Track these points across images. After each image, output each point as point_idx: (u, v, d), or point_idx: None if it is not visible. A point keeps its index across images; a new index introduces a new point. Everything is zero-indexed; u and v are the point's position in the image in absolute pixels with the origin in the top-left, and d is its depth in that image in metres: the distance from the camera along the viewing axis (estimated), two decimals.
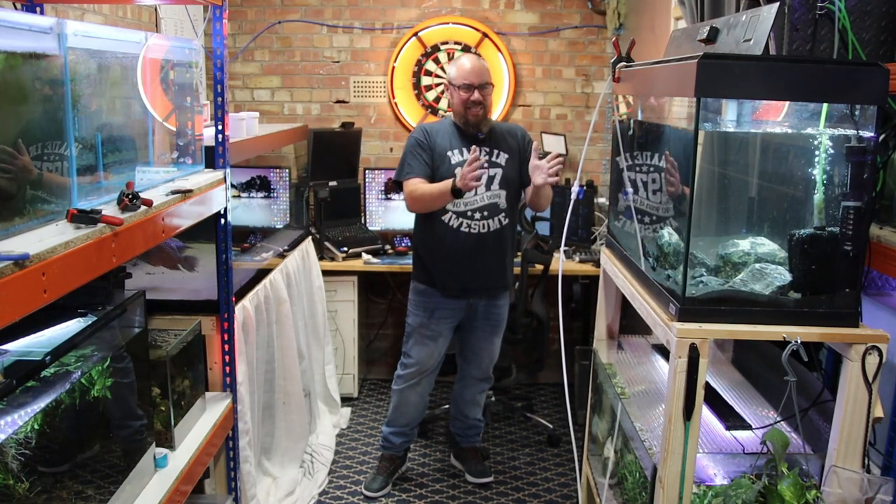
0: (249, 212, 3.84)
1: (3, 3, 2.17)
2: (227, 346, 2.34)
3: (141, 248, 1.64)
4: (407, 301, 3.23)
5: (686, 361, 1.63)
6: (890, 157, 1.76)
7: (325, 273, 3.88)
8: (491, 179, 3.02)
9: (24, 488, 1.28)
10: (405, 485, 3.37)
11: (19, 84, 1.33)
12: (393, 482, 3.35)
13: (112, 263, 1.48)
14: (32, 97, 1.38)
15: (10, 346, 1.35)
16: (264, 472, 3.03)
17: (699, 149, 1.67)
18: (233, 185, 2.36)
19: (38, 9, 2.16)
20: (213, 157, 2.24)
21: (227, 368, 2.36)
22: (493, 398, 3.82)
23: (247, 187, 3.77)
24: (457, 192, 2.82)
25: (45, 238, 1.31)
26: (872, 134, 1.60)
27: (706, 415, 1.97)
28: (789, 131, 1.84)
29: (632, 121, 2.36)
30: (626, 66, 2.27)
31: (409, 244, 3.99)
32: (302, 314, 3.50)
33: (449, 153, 3.02)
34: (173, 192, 1.85)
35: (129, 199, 1.58)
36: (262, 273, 3.02)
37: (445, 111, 4.29)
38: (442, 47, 4.33)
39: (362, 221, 4.32)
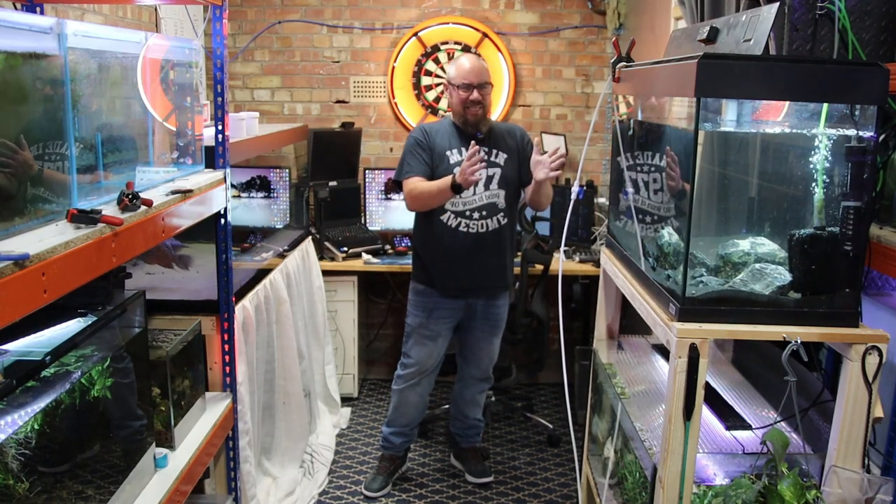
0: (249, 212, 3.84)
1: (3, 3, 2.17)
2: (227, 346, 2.34)
3: (141, 248, 1.64)
4: (407, 301, 3.23)
5: (686, 361, 1.63)
6: (890, 157, 1.76)
7: (325, 273, 3.88)
8: (489, 179, 3.02)
9: (24, 488, 1.28)
10: (405, 485, 3.37)
11: (19, 84, 1.33)
12: (393, 482, 3.35)
13: (112, 263, 1.48)
14: (32, 97, 1.38)
15: (10, 346, 1.35)
16: (264, 472, 3.03)
17: (699, 149, 1.67)
18: (233, 185, 2.36)
19: (38, 9, 2.16)
20: (213, 157, 2.24)
21: (227, 368, 2.36)
22: (493, 398, 3.82)
23: (247, 187, 3.78)
24: (456, 188, 2.82)
25: (45, 238, 1.31)
26: (872, 134, 1.60)
27: (706, 415, 1.97)
28: (789, 131, 1.84)
29: (632, 121, 2.36)
30: (626, 66, 2.27)
31: (409, 244, 3.99)
32: (302, 314, 3.50)
33: (448, 153, 3.02)
34: (173, 192, 1.85)
35: (129, 199, 1.58)
36: (262, 273, 3.02)
37: (445, 111, 4.29)
38: (442, 47, 4.33)
39: (362, 221, 4.32)
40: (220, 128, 2.21)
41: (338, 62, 4.42)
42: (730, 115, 1.81)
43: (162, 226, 1.74)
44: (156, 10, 3.43)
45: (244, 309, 2.66)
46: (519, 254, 3.56)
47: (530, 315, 3.67)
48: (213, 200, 2.12)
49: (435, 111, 4.39)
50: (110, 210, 1.55)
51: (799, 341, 1.61)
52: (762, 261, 1.77)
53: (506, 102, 4.37)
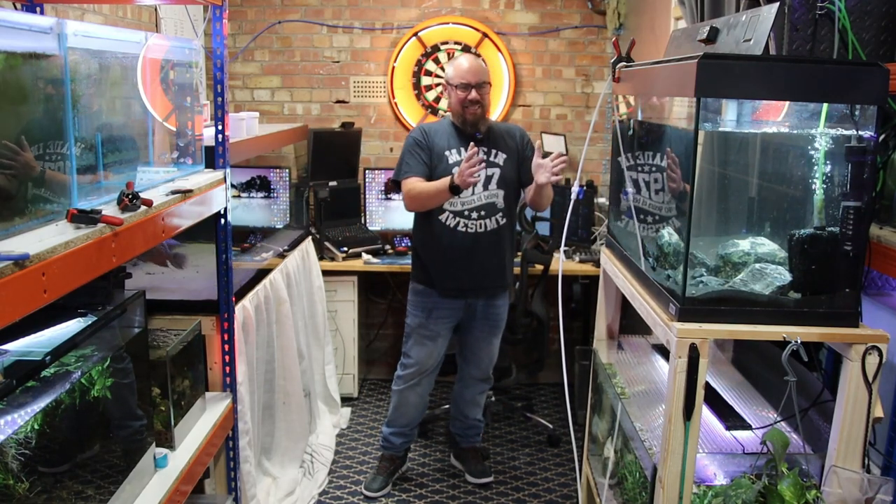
0: (249, 212, 3.84)
1: (3, 3, 2.17)
2: (227, 346, 2.34)
3: (141, 248, 1.64)
4: (406, 301, 3.23)
5: (686, 361, 1.63)
6: (890, 157, 1.76)
7: (325, 273, 3.88)
8: (489, 179, 3.02)
9: (24, 488, 1.28)
10: (405, 485, 3.37)
11: (19, 84, 1.33)
12: (393, 482, 3.35)
13: (112, 263, 1.48)
14: (32, 97, 1.38)
15: (10, 346, 1.35)
16: (264, 472, 3.03)
17: (699, 149, 1.67)
18: (233, 185, 2.36)
19: (38, 9, 2.16)
20: (213, 157, 2.24)
21: (227, 368, 2.36)
22: (493, 398, 3.82)
23: (247, 187, 3.78)
24: (455, 189, 2.83)
25: (45, 238, 1.31)
26: (872, 134, 1.60)
27: (706, 415, 1.97)
28: (789, 131, 1.84)
29: (632, 121, 2.36)
30: (626, 66, 2.27)
31: (409, 244, 3.99)
32: (302, 314, 3.50)
33: (447, 153, 3.02)
34: (173, 192, 1.85)
35: (129, 199, 1.58)
36: (262, 273, 3.02)
37: (445, 111, 4.29)
38: (442, 47, 4.33)
39: (362, 221, 4.32)
40: (220, 128, 2.21)
41: (338, 62, 4.42)
42: (730, 115, 1.81)
43: (162, 226, 1.74)
44: (156, 10, 3.43)
45: (244, 309, 2.66)
46: (519, 254, 3.56)
47: (530, 315, 3.67)
48: (213, 200, 2.12)
49: (435, 111, 4.39)
50: (110, 210, 1.55)
51: (799, 341, 1.61)
52: (762, 261, 1.77)
53: (506, 102, 4.37)
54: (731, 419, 2.01)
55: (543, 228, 3.93)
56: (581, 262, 3.96)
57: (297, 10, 4.36)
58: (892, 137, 1.77)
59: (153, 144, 1.97)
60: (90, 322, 1.55)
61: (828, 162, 1.72)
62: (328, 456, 3.52)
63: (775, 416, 2.00)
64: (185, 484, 1.90)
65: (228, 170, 2.26)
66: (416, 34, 4.32)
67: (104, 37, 1.68)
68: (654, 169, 2.10)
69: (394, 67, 4.36)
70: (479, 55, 4.20)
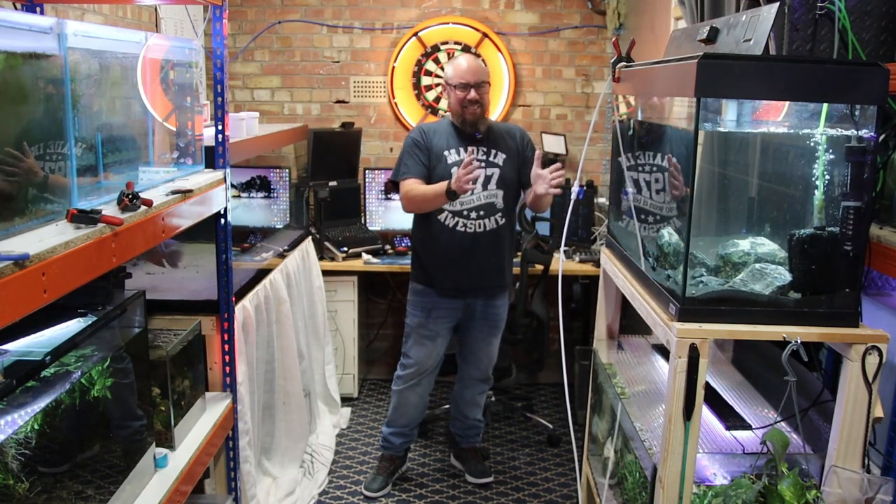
0: (249, 212, 3.84)
1: (3, 3, 2.17)
2: (227, 346, 2.34)
3: (141, 248, 1.64)
4: (406, 301, 3.23)
5: (686, 361, 1.63)
6: (890, 157, 1.76)
7: (325, 273, 3.88)
8: (488, 179, 3.02)
9: (24, 488, 1.28)
10: (405, 485, 3.37)
11: (19, 84, 1.33)
12: (393, 482, 3.35)
13: (112, 263, 1.48)
14: (32, 97, 1.38)
15: (10, 346, 1.35)
16: (264, 472, 3.03)
17: (699, 149, 1.67)
18: (233, 185, 2.36)
19: (38, 9, 2.16)
20: (213, 157, 2.24)
21: (227, 368, 2.36)
22: (493, 398, 3.82)
23: (247, 187, 3.78)
24: (451, 195, 2.83)
25: (45, 238, 1.31)
26: (872, 134, 1.60)
27: (706, 415, 1.97)
28: (789, 131, 1.84)
29: (632, 121, 2.36)
30: (626, 66, 2.27)
31: (409, 244, 3.99)
32: (302, 314, 3.50)
33: (446, 153, 3.02)
34: (173, 192, 1.85)
35: (129, 199, 1.58)
36: (262, 273, 3.02)
37: (445, 111, 4.29)
38: (442, 47, 4.33)
39: (362, 221, 4.32)
40: (220, 128, 2.21)
41: (338, 62, 4.42)
42: (730, 115, 1.81)
43: (162, 226, 1.74)
44: (156, 10, 3.43)
45: (244, 309, 2.66)
46: (519, 254, 3.57)
47: (530, 315, 3.67)
48: (213, 200, 2.12)
49: (435, 111, 4.39)
50: (110, 210, 1.55)
51: (799, 341, 1.61)
52: (762, 261, 1.77)
53: (506, 102, 4.37)
54: (731, 419, 2.01)
55: (543, 228, 3.93)
56: (581, 262, 3.96)
57: (297, 10, 4.36)
58: (892, 137, 1.77)
59: (153, 144, 1.97)
60: (90, 322, 1.55)
61: (828, 162, 1.72)
62: (328, 456, 3.52)
63: (775, 416, 2.00)
64: (185, 484, 1.90)
65: (228, 170, 2.26)
66: (416, 34, 4.32)
67: (104, 37, 1.68)
68: (654, 169, 2.10)
69: (394, 67, 4.36)
70: (478, 55, 4.20)
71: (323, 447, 3.53)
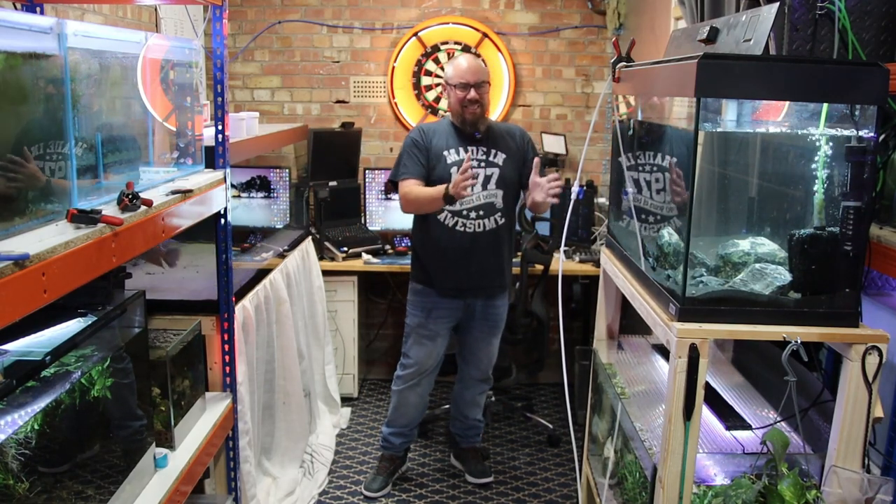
0: (249, 212, 3.84)
1: (3, 3, 2.17)
2: (227, 346, 2.34)
3: (141, 248, 1.64)
4: (406, 301, 3.23)
5: (686, 361, 1.63)
6: (890, 157, 1.76)
7: (325, 273, 3.88)
8: (488, 179, 3.02)
9: (24, 488, 1.28)
10: (405, 485, 3.37)
11: (19, 84, 1.33)
12: (393, 482, 3.35)
13: (112, 263, 1.48)
14: (32, 97, 1.38)
15: (10, 346, 1.35)
16: (264, 472, 3.03)
17: (699, 149, 1.66)
18: (233, 185, 2.36)
19: (38, 9, 2.16)
20: (213, 157, 2.24)
21: (227, 368, 2.36)
22: (493, 398, 3.82)
23: (247, 187, 3.78)
24: (449, 199, 2.83)
25: (45, 238, 1.31)
26: (872, 134, 1.60)
27: (706, 415, 1.97)
28: (789, 131, 1.84)
29: (632, 121, 2.36)
30: (626, 66, 2.27)
31: (409, 244, 3.99)
32: (302, 314, 3.50)
33: (445, 152, 3.02)
34: (173, 192, 1.85)
35: (129, 199, 1.58)
36: (262, 273, 3.02)
37: (445, 111, 4.29)
38: (442, 47, 4.33)
39: (362, 221, 4.32)
40: (220, 128, 2.21)
41: (338, 62, 4.42)
42: (730, 115, 1.81)
43: (162, 226, 1.74)
44: (156, 10, 3.43)
45: (244, 309, 2.66)
46: (519, 254, 3.57)
47: (530, 315, 3.67)
48: (213, 200, 2.12)
49: (435, 111, 4.39)
50: (110, 210, 1.55)
51: (799, 341, 1.61)
52: (762, 261, 1.77)
53: (506, 102, 4.37)
54: (731, 419, 2.01)
55: (543, 228, 3.93)
56: (581, 262, 3.96)
57: (297, 10, 4.36)
58: (892, 137, 1.77)
59: (153, 144, 1.97)
60: (90, 322, 1.55)
61: (828, 162, 1.72)
62: (328, 456, 3.52)
63: (775, 416, 2.00)
64: (185, 484, 1.90)
65: (228, 170, 2.26)
66: (416, 34, 4.32)
67: (104, 37, 1.68)
68: (654, 169, 2.10)
69: (394, 67, 4.36)
70: (478, 55, 4.20)
71: (323, 447, 3.53)
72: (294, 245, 3.60)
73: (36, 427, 1.31)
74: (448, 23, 4.32)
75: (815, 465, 1.74)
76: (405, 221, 3.98)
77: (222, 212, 2.22)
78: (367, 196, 4.31)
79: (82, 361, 1.50)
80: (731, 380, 2.33)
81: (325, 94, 4.45)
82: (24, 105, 1.36)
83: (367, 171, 4.29)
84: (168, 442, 1.97)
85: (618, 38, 2.64)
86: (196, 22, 3.70)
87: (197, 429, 2.12)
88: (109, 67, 1.71)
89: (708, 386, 1.88)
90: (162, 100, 2.01)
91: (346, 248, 4.03)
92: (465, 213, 3.01)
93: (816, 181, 1.75)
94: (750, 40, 1.70)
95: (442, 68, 4.30)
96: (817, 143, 1.74)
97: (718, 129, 1.83)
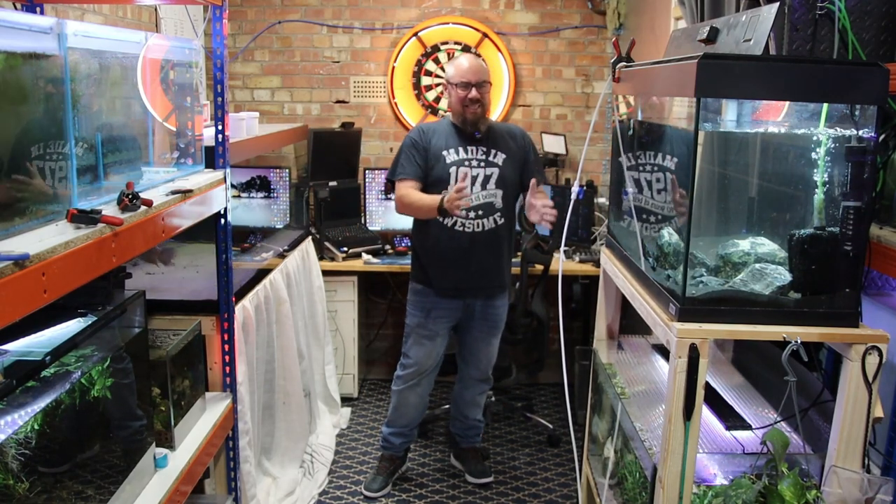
0: (249, 212, 3.84)
1: (3, 3, 2.17)
2: (227, 346, 2.34)
3: (141, 248, 1.64)
4: (406, 301, 3.23)
5: (686, 361, 1.63)
6: (890, 157, 1.76)
7: (325, 273, 3.88)
8: (487, 179, 3.02)
9: (24, 488, 1.28)
10: (405, 485, 3.37)
11: (19, 84, 1.33)
12: (393, 482, 3.35)
13: (112, 263, 1.48)
14: (32, 97, 1.38)
15: (10, 346, 1.35)
16: (264, 472, 3.03)
17: (699, 149, 1.66)
18: (233, 185, 2.36)
19: (38, 9, 2.16)
20: (213, 157, 2.24)
21: (227, 368, 2.36)
22: (493, 398, 3.82)
23: (247, 187, 3.77)
24: (443, 212, 2.84)
25: (45, 238, 1.31)
26: (872, 134, 1.60)
27: (706, 415, 1.97)
28: (789, 131, 1.84)
29: (632, 121, 2.36)
30: (626, 66, 2.26)
31: (409, 244, 3.99)
32: (302, 314, 3.50)
33: (444, 152, 3.02)
34: (173, 193, 1.85)
35: (129, 199, 1.58)
36: (262, 273, 3.02)
37: (445, 111, 4.29)
38: (442, 47, 4.33)
39: (362, 221, 4.32)
40: (220, 128, 2.21)
41: (338, 62, 4.42)
42: (730, 115, 1.81)
43: (162, 226, 1.74)
44: (156, 10, 3.43)
45: (244, 309, 2.66)
46: (519, 254, 3.57)
47: (530, 315, 3.67)
48: (213, 200, 2.12)
49: (435, 111, 4.39)
50: (110, 210, 1.55)
51: (799, 341, 1.61)
52: (762, 261, 1.77)
53: (506, 102, 4.37)
54: (731, 419, 2.01)
55: (543, 228, 3.92)
56: (581, 262, 3.96)
57: (297, 10, 4.36)
58: (892, 137, 1.77)
59: (153, 144, 1.97)
60: (90, 322, 1.55)
61: (828, 162, 1.72)
62: (328, 456, 3.52)
63: (775, 416, 2.00)
64: (185, 484, 1.90)
65: (228, 170, 2.26)
66: (416, 34, 4.32)
67: (104, 37, 1.68)
68: (654, 169, 2.10)
69: (394, 67, 4.36)
70: (479, 55, 4.20)
71: (323, 447, 3.53)
72: (294, 245, 3.60)
73: (36, 427, 1.31)
74: (448, 23, 4.32)
75: (815, 465, 1.74)
76: (405, 221, 3.98)
77: (222, 212, 2.22)
78: (367, 196, 4.31)
79: (82, 361, 1.50)
80: (731, 380, 2.33)
81: (325, 94, 4.45)
82: (24, 105, 1.36)
83: (367, 171, 4.29)
84: (168, 442, 1.97)
85: (618, 38, 2.64)
86: (196, 22, 3.70)
87: (197, 429, 2.12)
88: (109, 67, 1.71)
89: (708, 386, 1.88)
90: (162, 100, 2.01)
91: (346, 248, 4.03)
92: (464, 212, 3.01)
93: (816, 181, 1.75)
94: (750, 40, 1.70)
95: (442, 68, 4.30)
96: (817, 144, 1.74)
97: (718, 129, 1.83)
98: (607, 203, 3.73)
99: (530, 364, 3.96)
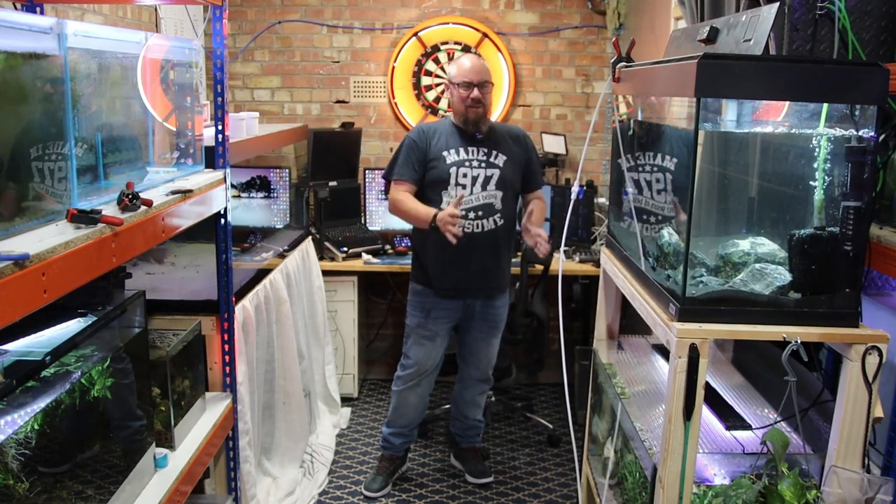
0: (249, 212, 3.84)
1: (3, 3, 2.17)
2: (227, 346, 2.34)
3: (141, 249, 1.64)
4: (406, 301, 3.23)
5: (686, 361, 1.63)
6: (890, 157, 1.76)
7: (325, 273, 3.88)
8: (488, 180, 3.02)
9: (24, 488, 1.28)
10: (405, 485, 3.37)
11: (19, 84, 1.33)
12: (393, 482, 3.35)
13: (112, 263, 1.48)
14: (32, 97, 1.38)
15: (10, 346, 1.35)
16: (264, 472, 3.03)
17: (699, 149, 1.66)
18: (233, 185, 2.36)
19: (38, 9, 2.16)
20: (213, 157, 2.24)
21: (227, 368, 2.36)
22: (493, 398, 3.82)
23: (247, 187, 3.77)
24: (433, 228, 2.85)
25: (45, 238, 1.31)
26: (872, 134, 1.60)
27: (706, 415, 1.97)
28: (789, 131, 1.84)
29: (632, 121, 2.36)
30: (626, 66, 2.26)
31: (409, 244, 3.99)
32: (302, 314, 3.50)
33: (444, 153, 3.02)
34: (173, 193, 1.85)
35: (129, 199, 1.58)
36: (262, 273, 3.02)
37: (445, 111, 4.29)
38: (442, 47, 4.33)
39: (362, 221, 4.32)
40: (220, 128, 2.21)
41: (338, 62, 4.42)
42: (730, 116, 1.81)
43: (162, 226, 1.74)
44: (156, 10, 3.43)
45: (244, 309, 2.66)
46: (519, 254, 3.56)
47: (530, 315, 3.67)
48: (213, 200, 2.12)
49: (435, 111, 4.39)
50: (110, 210, 1.55)
51: (799, 341, 1.61)
52: (762, 261, 1.77)
53: (506, 102, 4.37)
54: (731, 419, 2.01)
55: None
56: (581, 262, 3.96)
57: (297, 10, 4.36)
58: (892, 137, 1.77)
59: (153, 144, 1.97)
60: (90, 322, 1.55)
61: (828, 162, 1.72)
62: (328, 456, 3.52)
63: (775, 416, 2.00)
64: (185, 484, 1.90)
65: (228, 170, 2.26)
66: (416, 34, 4.32)
67: (104, 37, 1.68)
68: (654, 169, 2.10)
69: (394, 67, 4.36)
70: (479, 55, 4.20)
71: (323, 447, 3.53)
72: (294, 245, 3.60)
73: (36, 427, 1.31)
74: (448, 23, 4.32)
75: (815, 465, 1.74)
76: (405, 222, 3.99)
77: (222, 212, 2.22)
78: (367, 196, 4.31)
79: (82, 361, 1.50)
80: (731, 380, 2.33)
81: (325, 94, 4.45)
82: (24, 105, 1.36)
83: (367, 171, 4.29)
84: (168, 442, 1.97)
85: (618, 38, 2.64)
86: (196, 22, 3.70)
87: (197, 429, 2.12)
88: (109, 67, 1.71)
89: (708, 386, 1.88)
90: (162, 100, 2.01)
91: (346, 248, 4.03)
92: (463, 213, 3.01)
93: (816, 181, 1.75)
94: (750, 40, 1.70)
95: (442, 68, 4.30)
96: (817, 144, 1.74)
97: (718, 130, 1.83)
98: (607, 203, 3.73)
99: (530, 364, 3.96)
